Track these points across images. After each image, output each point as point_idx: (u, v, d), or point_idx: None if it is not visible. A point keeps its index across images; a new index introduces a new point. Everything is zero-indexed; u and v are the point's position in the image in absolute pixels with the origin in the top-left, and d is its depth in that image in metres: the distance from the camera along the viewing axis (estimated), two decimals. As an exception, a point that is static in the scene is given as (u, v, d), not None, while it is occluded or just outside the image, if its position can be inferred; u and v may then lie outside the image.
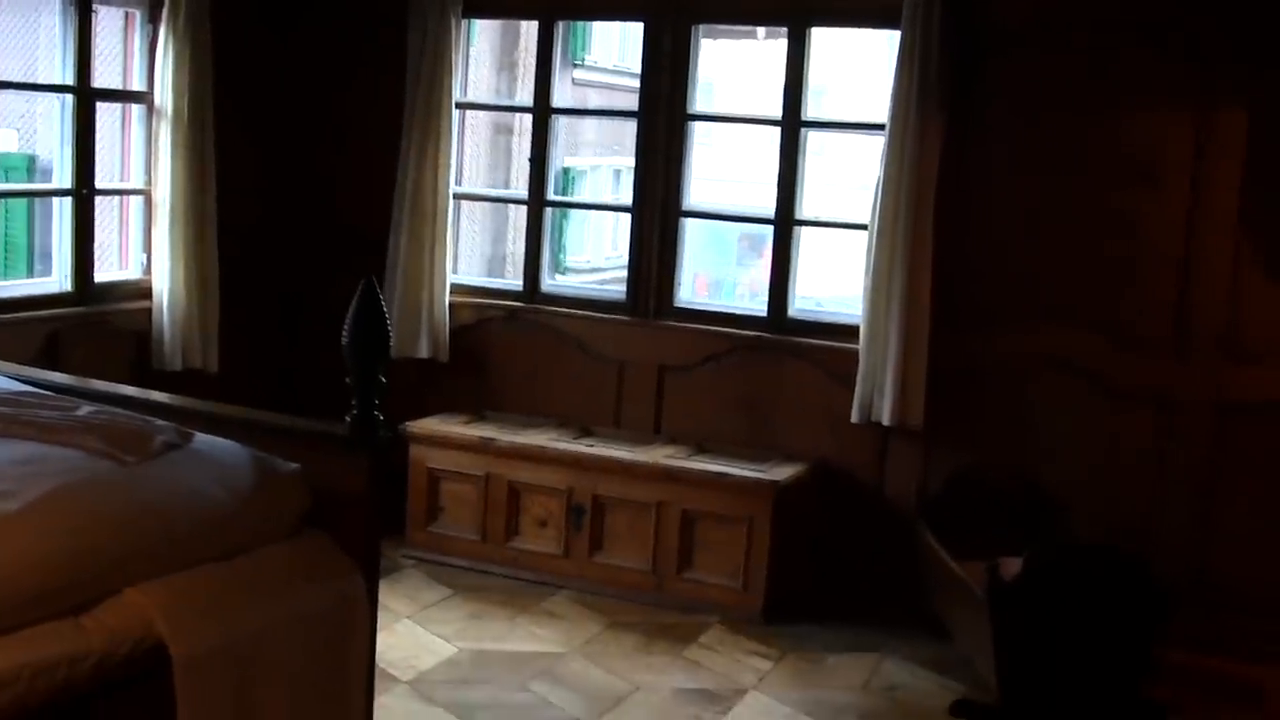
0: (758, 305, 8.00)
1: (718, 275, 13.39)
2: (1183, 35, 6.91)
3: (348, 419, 4.45)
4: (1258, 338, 6.90)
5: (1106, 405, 7.14)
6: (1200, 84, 6.89)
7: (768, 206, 7.83)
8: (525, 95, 9.53)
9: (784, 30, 7.74)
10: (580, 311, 8.12)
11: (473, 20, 8.37)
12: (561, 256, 9.20)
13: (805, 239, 7.89)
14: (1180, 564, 6.73)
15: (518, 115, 9.97)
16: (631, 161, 8.10)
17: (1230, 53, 6.83)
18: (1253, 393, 6.92)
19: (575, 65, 13.01)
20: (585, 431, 7.88)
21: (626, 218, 8.17)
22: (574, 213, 11.32)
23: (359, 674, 4.53)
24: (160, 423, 4.50)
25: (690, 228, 8.10)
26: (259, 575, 4.18)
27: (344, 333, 4.38)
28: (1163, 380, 7.03)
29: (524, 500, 7.56)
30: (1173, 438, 7.05)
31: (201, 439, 4.43)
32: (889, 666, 6.68)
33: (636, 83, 8.05)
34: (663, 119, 7.85)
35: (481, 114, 8.76)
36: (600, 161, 15.17)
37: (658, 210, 7.90)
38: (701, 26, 7.88)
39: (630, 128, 8.07)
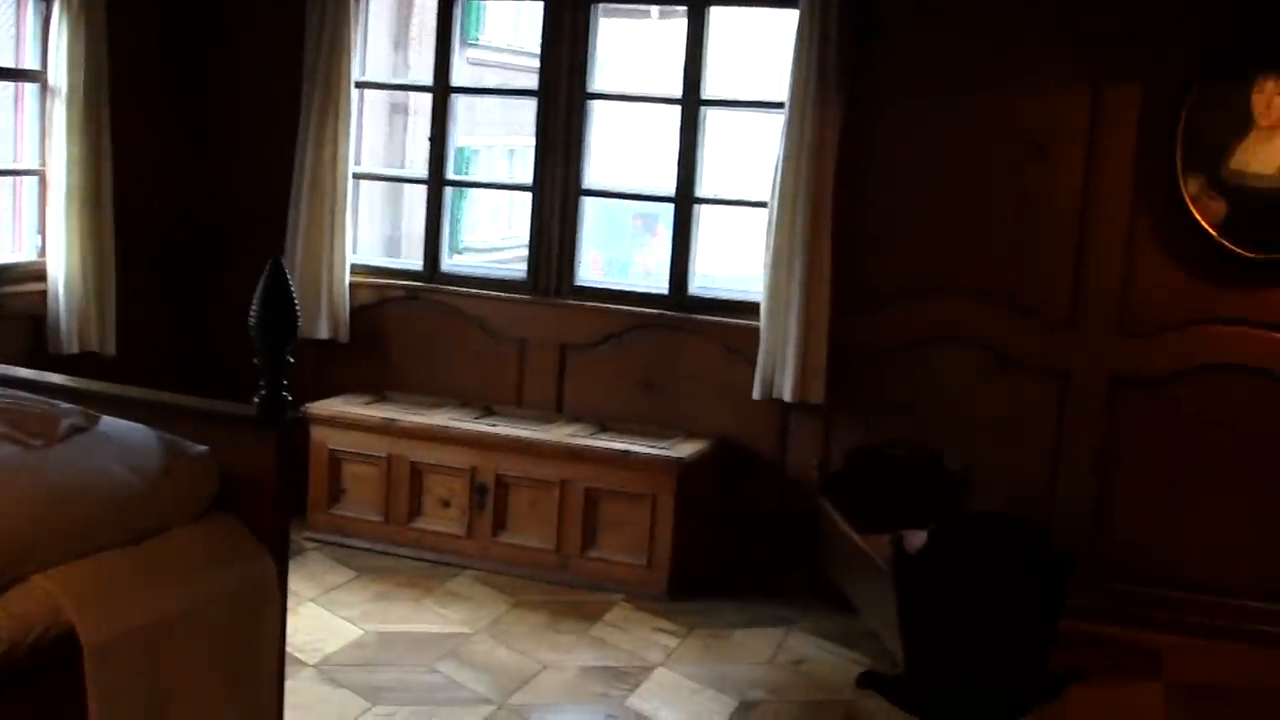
0: (656, 283, 8.02)
1: (611, 254, 13.37)
2: (1075, 11, 7.02)
3: (256, 400, 4.42)
4: (1151, 311, 7.05)
5: (1005, 378, 7.25)
6: (1093, 59, 7.02)
7: (665, 185, 7.85)
8: (420, 73, 9.48)
9: (677, 10, 7.79)
10: (481, 291, 8.08)
11: (370, -1, 8.31)
12: (458, 236, 9.14)
13: (705, 217, 7.92)
14: (1078, 534, 6.85)
15: (411, 94, 9.90)
16: (525, 141, 8.08)
17: (1121, 27, 6.94)
18: (1145, 365, 7.07)
19: (470, 45, 12.96)
20: (487, 411, 7.86)
21: (521, 198, 8.16)
22: (469, 192, 11.24)
23: (269, 657, 4.51)
24: (66, 406, 4.44)
25: (583, 206, 8.06)
26: (168, 559, 4.14)
27: (251, 313, 4.34)
28: (1060, 353, 7.17)
29: (427, 481, 7.54)
30: (1069, 410, 7.19)
31: (108, 422, 4.37)
32: (794, 640, 6.73)
33: (531, 62, 8.04)
34: (563, 98, 7.82)
35: (376, 92, 8.65)
36: (494, 141, 15.11)
37: (558, 189, 7.88)
38: (600, 6, 7.86)
39: (524, 107, 8.07)
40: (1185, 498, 7.07)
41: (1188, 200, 6.88)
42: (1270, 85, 6.76)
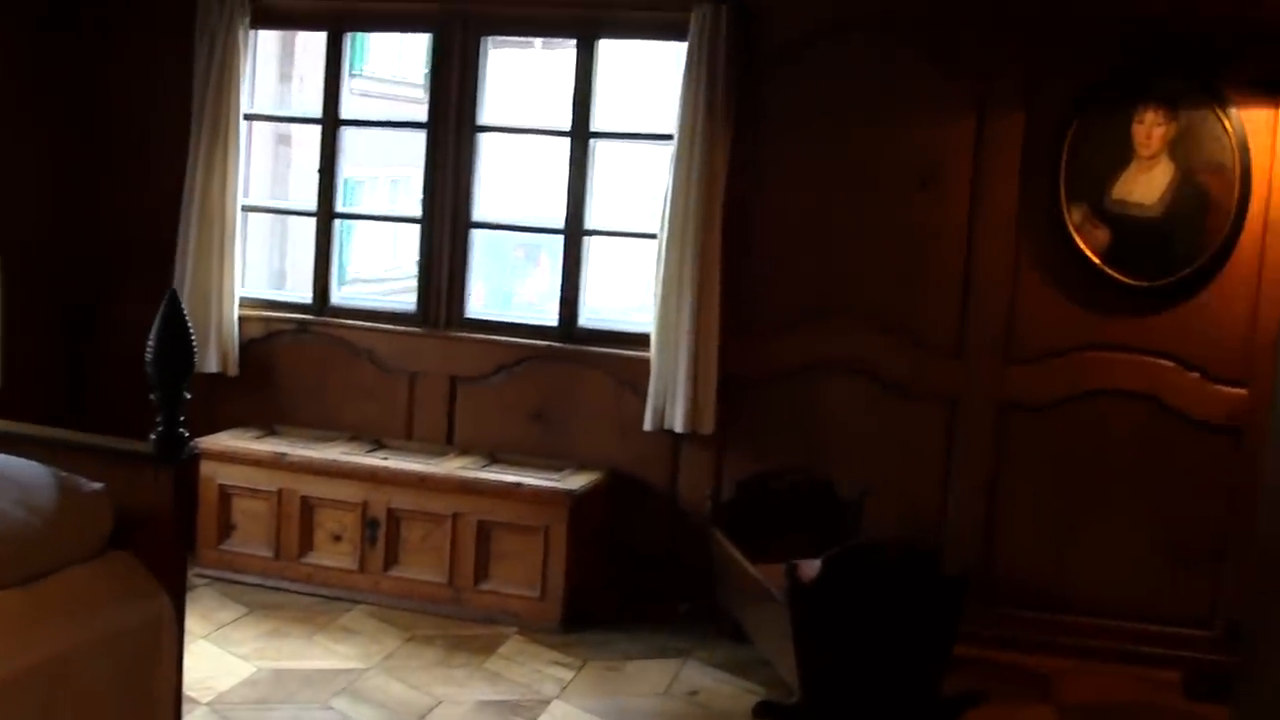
0: (540, 314, 8.05)
1: (494, 284, 13.34)
2: (960, 44, 7.15)
3: (152, 436, 4.38)
4: (1036, 339, 7.18)
5: (894, 405, 7.34)
6: (977, 90, 7.15)
7: (554, 216, 7.86)
8: (305, 105, 9.44)
9: (563, 40, 7.84)
10: (371, 324, 8.05)
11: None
12: (345, 268, 9.09)
13: (595, 248, 7.94)
14: (968, 560, 6.88)
15: (295, 125, 9.87)
16: (408, 171, 8.06)
17: (1006, 60, 7.08)
18: (1032, 392, 7.20)
19: (354, 75, 12.90)
20: (378, 444, 7.82)
21: (406, 228, 8.13)
22: (354, 223, 11.21)
23: (166, 696, 4.47)
24: (-45, 444, 4.39)
25: (472, 239, 8.05)
26: (64, 598, 4.09)
27: (148, 348, 4.31)
28: (947, 380, 7.28)
29: (318, 515, 7.47)
30: (958, 436, 7.30)
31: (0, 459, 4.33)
32: (690, 671, 6.73)
33: (415, 91, 8.02)
34: (452, 130, 7.83)
35: (262, 124, 8.61)
36: (378, 172, 15.04)
37: (447, 222, 7.87)
38: (489, 37, 7.89)
39: (408, 138, 8.04)
40: (1072, 522, 7.19)
41: (1071, 229, 7.01)
42: (1150, 116, 6.91)
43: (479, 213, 7.96)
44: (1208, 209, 6.90)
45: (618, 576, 7.64)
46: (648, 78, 8.20)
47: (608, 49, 7.77)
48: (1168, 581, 7.11)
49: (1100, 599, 7.16)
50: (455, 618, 7.20)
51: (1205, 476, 7.05)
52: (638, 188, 8.22)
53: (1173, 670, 6.98)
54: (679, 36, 7.31)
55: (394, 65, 14.65)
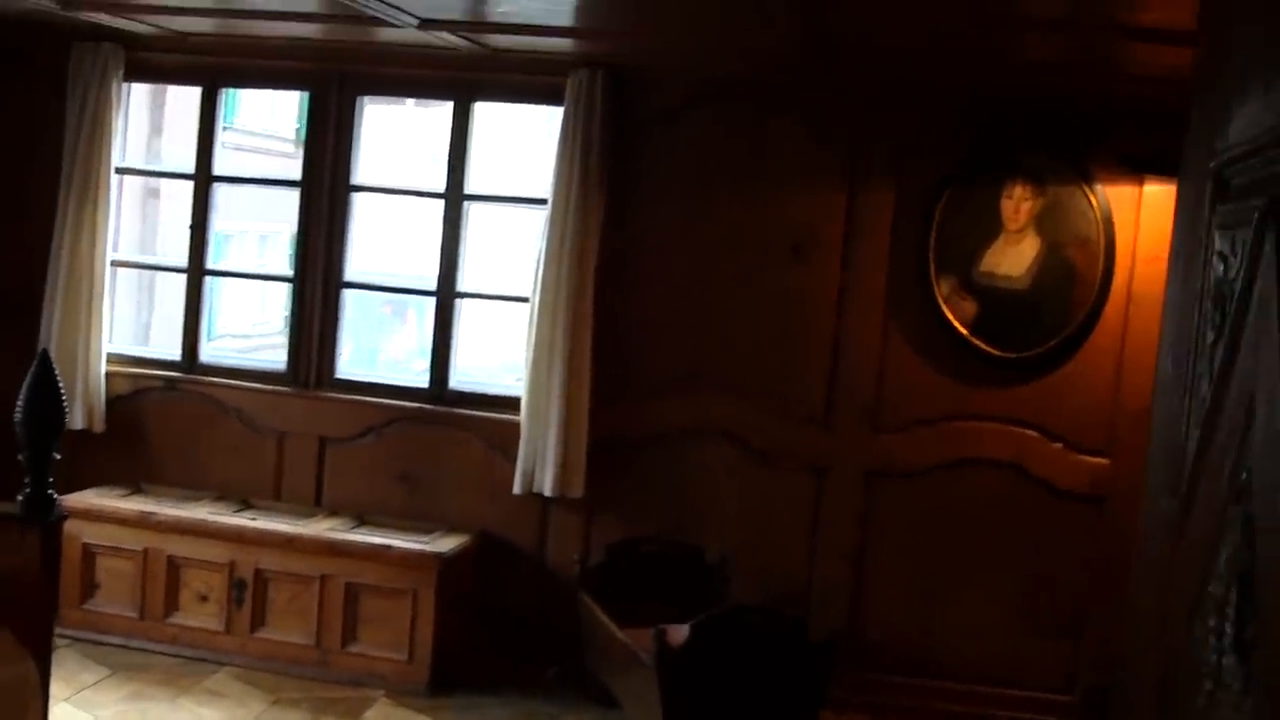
0: (408, 373, 8.14)
1: (361, 342, 13.36)
2: (832, 116, 7.39)
3: (20, 497, 4.45)
4: (904, 408, 7.42)
5: (763, 472, 7.55)
6: (849, 162, 7.40)
7: (426, 274, 7.98)
8: (176, 158, 9.48)
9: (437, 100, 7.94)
10: (240, 382, 8.11)
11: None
12: (213, 324, 9.15)
13: (467, 311, 8.06)
14: (835, 625, 7.10)
15: (163, 180, 9.90)
16: (278, 227, 8.14)
17: (878, 133, 7.34)
18: (899, 460, 7.44)
19: (225, 128, 12.91)
20: (246, 504, 7.89)
21: (275, 284, 8.21)
22: (221, 278, 11.24)
23: (30, 760, 4.50)
24: None
25: (344, 298, 8.14)
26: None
27: (17, 408, 4.39)
28: (816, 448, 7.50)
29: (184, 575, 7.51)
30: (826, 503, 7.52)
31: None
32: (556, 735, 6.83)
33: (289, 146, 8.10)
34: (326, 189, 7.95)
35: (132, 177, 8.64)
36: (247, 226, 15.05)
37: (319, 281, 7.98)
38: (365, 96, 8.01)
39: (280, 195, 8.14)
40: (939, 589, 7.42)
41: (940, 301, 7.27)
42: (1019, 191, 7.21)
43: (351, 272, 8.07)
44: (1073, 282, 7.19)
45: (486, 639, 7.73)
46: (524, 140, 8.32)
47: (484, 111, 7.94)
48: (1030, 648, 7.35)
49: (965, 664, 7.38)
50: (322, 680, 7.26)
51: (1068, 544, 7.30)
52: (512, 250, 8.31)
53: (1034, 735, 7.18)
54: (555, 101, 7.47)
55: (265, 119, 14.70)
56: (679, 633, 5.98)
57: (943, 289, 7.29)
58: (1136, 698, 5.64)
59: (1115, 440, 7.20)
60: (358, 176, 8.04)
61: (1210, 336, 2.50)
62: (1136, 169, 7.14)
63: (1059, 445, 7.32)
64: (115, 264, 8.24)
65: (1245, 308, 2.23)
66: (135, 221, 9.72)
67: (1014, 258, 7.26)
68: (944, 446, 7.41)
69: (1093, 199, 7.18)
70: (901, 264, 7.38)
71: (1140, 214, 7.17)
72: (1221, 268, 2.45)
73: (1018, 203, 7.24)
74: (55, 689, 6.41)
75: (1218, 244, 2.49)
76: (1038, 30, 5.87)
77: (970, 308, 7.29)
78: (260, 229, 14.44)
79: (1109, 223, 7.18)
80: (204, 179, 8.19)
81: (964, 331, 7.29)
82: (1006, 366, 7.31)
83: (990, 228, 7.28)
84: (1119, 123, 7.14)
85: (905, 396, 7.43)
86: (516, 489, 7.55)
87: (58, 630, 7.23)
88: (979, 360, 7.32)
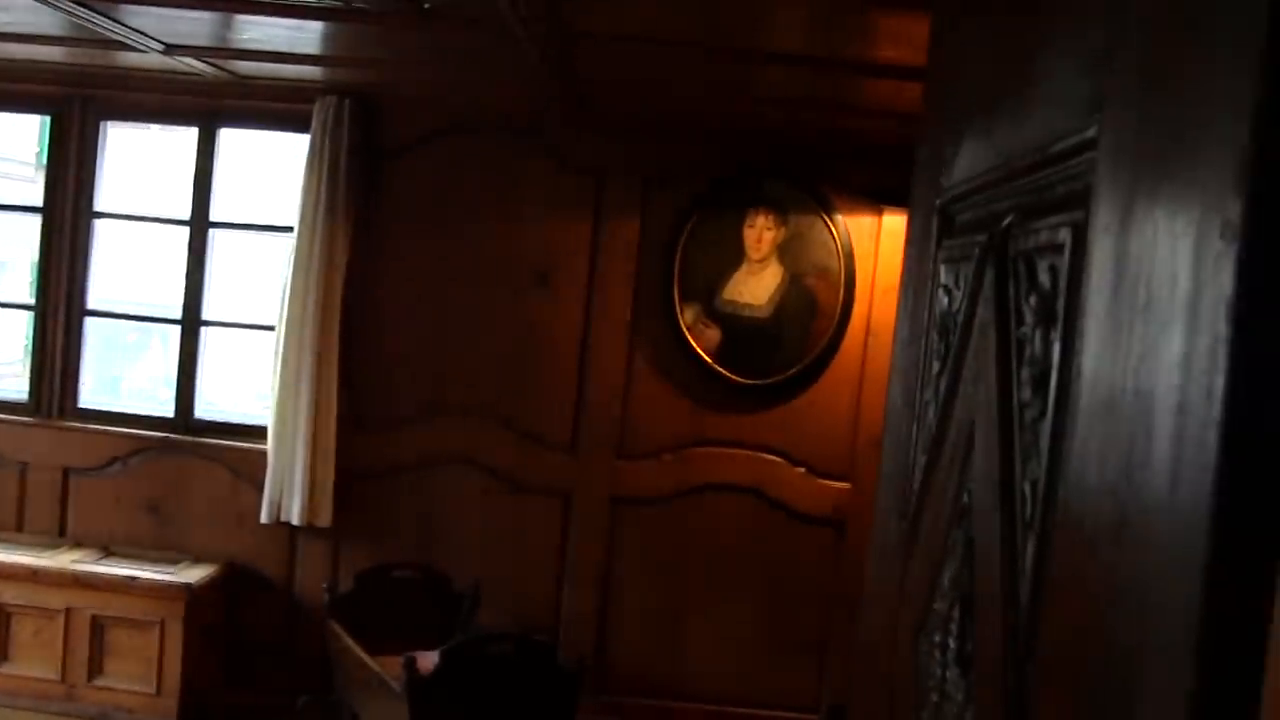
0: (153, 401, 8.35)
1: (104, 369, 13.35)
2: (581, 150, 7.80)
3: None
4: (649, 435, 7.88)
5: (510, 499, 7.95)
6: (594, 189, 7.82)
7: (171, 302, 8.16)
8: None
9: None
10: (-21, 412, 8.17)
11: None
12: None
13: (213, 338, 8.28)
14: (584, 648, 7.53)
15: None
16: (16, 252, 8.18)
17: (623, 163, 7.77)
18: (644, 486, 7.90)
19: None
20: (-14, 537, 7.94)
21: (14, 312, 8.40)
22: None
23: None
24: None
25: (86, 327, 8.29)
26: None
27: None
28: (562, 474, 7.92)
29: (-78, 611, 7.59)
30: (572, 530, 7.94)
31: None
32: (303, 765, 7.10)
33: (28, 170, 8.12)
34: (68, 216, 8.12)
35: None
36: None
37: (61, 309, 8.15)
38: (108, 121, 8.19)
39: (19, 220, 8.35)
40: (685, 612, 7.89)
41: (684, 328, 7.73)
42: (761, 220, 7.69)
43: (94, 300, 8.25)
44: (814, 311, 7.70)
45: (235, 670, 8.00)
46: (272, 168, 8.48)
47: (230, 137, 8.18)
48: (776, 668, 7.86)
49: (713, 686, 7.86)
50: (68, 715, 7.42)
51: (810, 567, 7.82)
52: (259, 278, 8.48)
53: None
54: (303, 128, 7.73)
55: (2, 142, 14.69)
56: (428, 660, 6.26)
57: (687, 317, 7.73)
58: (869, 713, 6.11)
59: (855, 466, 7.70)
60: (101, 202, 8.21)
61: (936, 367, 2.63)
62: (876, 200, 7.64)
63: (801, 470, 7.82)
64: None
65: (967, 340, 2.38)
66: None
67: (756, 287, 7.72)
68: (688, 472, 7.87)
69: (834, 230, 7.67)
70: (647, 292, 7.80)
71: (880, 245, 7.66)
72: (946, 300, 2.58)
73: (760, 232, 7.70)
74: None
75: (943, 277, 2.63)
76: (778, 64, 6.10)
77: (714, 335, 7.73)
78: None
79: (849, 254, 7.68)
80: (-59, 206, 8.28)
81: (708, 359, 7.73)
82: (749, 394, 7.77)
83: (733, 257, 7.73)
84: (861, 155, 7.60)
85: (650, 423, 7.87)
86: (264, 518, 7.80)
87: None
88: (722, 387, 7.77)
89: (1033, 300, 1.97)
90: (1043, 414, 1.87)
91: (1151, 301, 1.43)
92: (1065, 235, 1.82)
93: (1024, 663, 1.88)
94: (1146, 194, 1.48)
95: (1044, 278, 1.93)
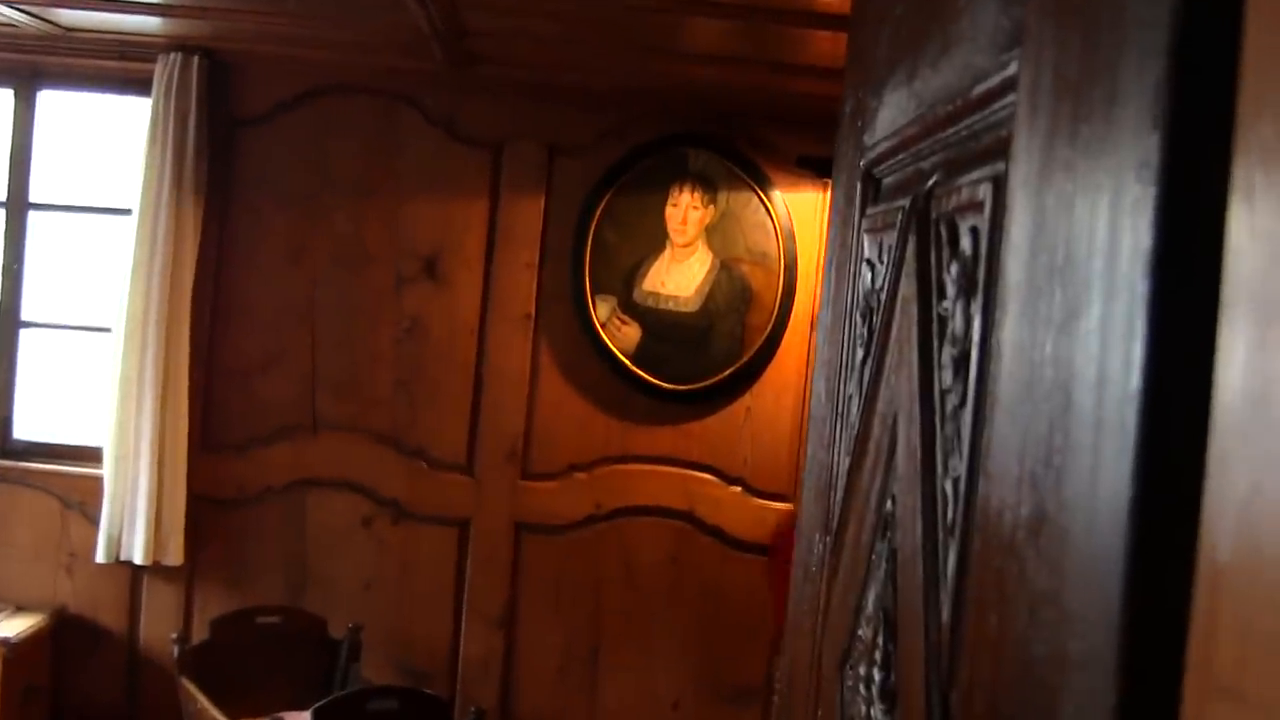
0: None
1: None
2: (473, 116, 7.80)
3: None
4: (556, 450, 7.89)
5: (397, 529, 7.93)
6: (491, 165, 7.81)
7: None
8: None
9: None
10: None
11: None
12: None
13: (33, 344, 8.14)
14: (485, 696, 7.62)
15: None
16: None
17: (525, 134, 7.77)
18: (552, 511, 7.90)
19: None
20: None
21: None
22: None
23: None
24: None
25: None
26: None
27: None
28: (457, 499, 7.91)
29: None
30: (470, 562, 7.93)
31: None
32: None
33: None
34: None
35: None
36: None
37: None
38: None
39: None
40: (604, 654, 7.92)
41: (597, 325, 7.71)
42: (686, 198, 7.69)
43: None
44: (750, 304, 7.70)
45: None
46: (104, 137, 8.36)
47: (54, 101, 8.05)
48: (709, 718, 7.88)
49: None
50: None
51: (747, 601, 7.85)
52: (90, 270, 8.37)
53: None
54: (143, 91, 7.63)
55: None
56: (299, 720, 6.23)
57: (600, 312, 7.72)
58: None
59: (800, 482, 7.67)
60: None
61: (860, 354, 2.55)
62: (820, 174, 7.56)
63: (736, 489, 7.88)
64: None
65: (890, 321, 2.29)
66: None
67: (681, 275, 7.71)
68: (604, 493, 7.89)
69: (771, 208, 7.67)
70: (554, 282, 7.79)
71: (825, 225, 7.55)
72: (869, 277, 2.51)
73: (685, 211, 7.69)
74: None
75: (866, 250, 2.55)
76: (703, 11, 5.99)
77: (633, 333, 7.73)
78: None
79: (789, 236, 7.68)
80: None
81: (625, 361, 7.73)
82: (675, 400, 7.79)
83: (654, 241, 7.72)
84: (799, 122, 7.60)
85: (559, 437, 7.87)
86: (100, 557, 7.68)
87: None
88: (644, 393, 7.78)
89: (954, 269, 1.94)
90: (964, 401, 1.86)
91: (1070, 262, 1.44)
92: (986, 191, 1.80)
93: (947, 692, 1.87)
94: (1065, 138, 1.49)
95: (965, 242, 1.91)
